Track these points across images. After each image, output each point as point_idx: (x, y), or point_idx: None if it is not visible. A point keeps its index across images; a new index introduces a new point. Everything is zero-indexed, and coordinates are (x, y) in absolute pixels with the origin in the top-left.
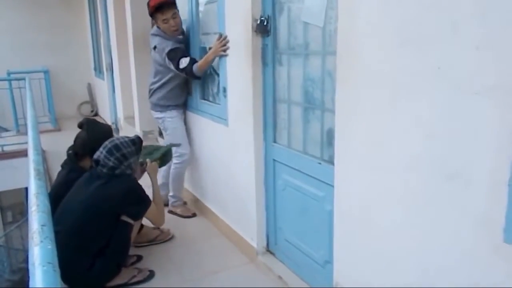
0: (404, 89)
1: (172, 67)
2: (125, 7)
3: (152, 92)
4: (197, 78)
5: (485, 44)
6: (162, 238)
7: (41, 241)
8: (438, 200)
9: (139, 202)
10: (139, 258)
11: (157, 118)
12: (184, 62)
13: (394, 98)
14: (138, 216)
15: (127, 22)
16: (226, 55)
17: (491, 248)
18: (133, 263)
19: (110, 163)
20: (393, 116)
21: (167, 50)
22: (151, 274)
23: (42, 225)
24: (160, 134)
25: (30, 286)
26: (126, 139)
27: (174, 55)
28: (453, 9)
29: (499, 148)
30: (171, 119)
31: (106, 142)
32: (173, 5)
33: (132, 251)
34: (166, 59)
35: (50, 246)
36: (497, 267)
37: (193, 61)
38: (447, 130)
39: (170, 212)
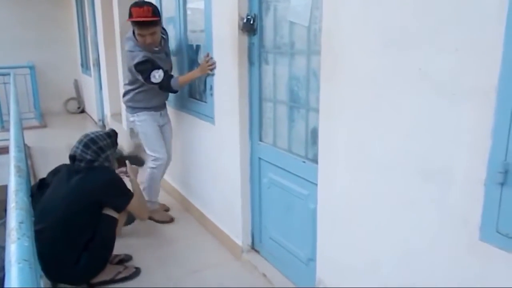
0: (387, 90)
1: (140, 78)
2: (112, 3)
3: (123, 93)
4: (174, 92)
5: (464, 47)
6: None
7: (18, 238)
8: (418, 199)
9: (120, 194)
10: (128, 257)
11: (130, 121)
12: (157, 76)
13: (376, 98)
14: (121, 207)
15: (115, 18)
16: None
17: (468, 246)
18: (120, 261)
19: (88, 157)
20: (375, 116)
21: (136, 61)
22: (136, 272)
23: (20, 222)
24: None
25: (5, 284)
26: (101, 132)
27: (143, 68)
28: (433, 12)
29: (477, 149)
30: (140, 122)
31: (81, 137)
32: (153, 24)
33: (121, 250)
34: (133, 69)
35: (27, 243)
36: (473, 264)
37: (168, 76)
38: (427, 131)
39: (148, 218)
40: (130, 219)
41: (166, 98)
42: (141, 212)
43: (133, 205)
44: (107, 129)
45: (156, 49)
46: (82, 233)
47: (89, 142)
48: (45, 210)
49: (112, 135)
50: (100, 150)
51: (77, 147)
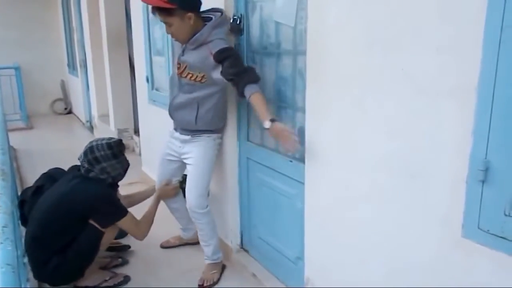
0: (371, 90)
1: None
2: (98, 3)
3: (194, 111)
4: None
5: (445, 47)
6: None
7: (1, 243)
8: (403, 197)
9: (107, 211)
10: (125, 261)
11: (184, 152)
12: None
13: (361, 98)
14: (105, 224)
15: (101, 18)
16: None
17: (451, 243)
18: (115, 266)
19: (85, 165)
20: (360, 116)
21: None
22: (125, 280)
23: (3, 226)
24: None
25: None
26: (104, 142)
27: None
28: (415, 12)
29: (458, 147)
30: (213, 149)
31: (87, 143)
32: (164, 13)
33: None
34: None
35: (10, 247)
36: (457, 261)
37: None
38: (410, 130)
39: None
40: (123, 233)
41: None
42: (136, 232)
43: (125, 224)
44: (115, 137)
45: (190, 47)
46: (58, 237)
47: (88, 151)
48: (38, 207)
49: (113, 146)
50: (95, 160)
51: (81, 154)
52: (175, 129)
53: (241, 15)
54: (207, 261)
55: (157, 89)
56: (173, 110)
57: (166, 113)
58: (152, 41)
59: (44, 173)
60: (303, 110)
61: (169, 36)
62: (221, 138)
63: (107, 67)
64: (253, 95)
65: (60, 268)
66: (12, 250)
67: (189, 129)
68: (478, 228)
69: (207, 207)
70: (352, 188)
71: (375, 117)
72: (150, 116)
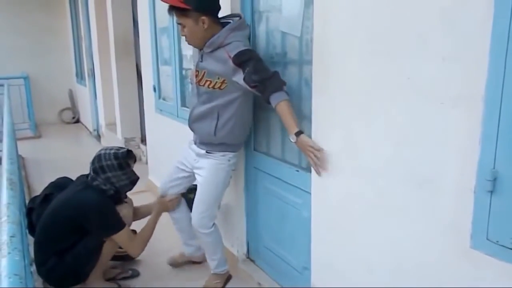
0: (377, 98)
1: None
2: (107, 12)
3: (213, 125)
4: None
5: (451, 56)
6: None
7: (9, 253)
8: (409, 206)
9: (101, 222)
10: (136, 273)
11: (199, 167)
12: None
13: (367, 107)
14: (98, 234)
15: (109, 27)
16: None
17: (460, 254)
18: (124, 278)
19: (91, 173)
20: (367, 125)
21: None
22: None
23: (11, 236)
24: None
25: None
26: (112, 151)
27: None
28: (421, 21)
29: (465, 156)
30: (229, 168)
31: (98, 151)
32: (179, 13)
33: (128, 264)
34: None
35: (18, 257)
36: (465, 272)
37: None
38: (417, 139)
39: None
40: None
41: None
42: (130, 249)
43: (119, 238)
44: (124, 147)
45: (207, 50)
46: (57, 240)
47: (95, 159)
48: (43, 214)
49: (120, 157)
50: (101, 169)
51: (91, 160)
52: (194, 141)
53: (248, 25)
54: (212, 271)
55: (164, 99)
56: (192, 122)
57: (172, 122)
58: (160, 51)
59: (52, 182)
60: (309, 119)
61: (177, 46)
62: (237, 156)
63: (114, 76)
64: (279, 104)
65: (56, 269)
66: (20, 260)
67: (206, 142)
68: (487, 239)
69: (212, 227)
70: (359, 197)
71: (382, 126)
72: (157, 125)
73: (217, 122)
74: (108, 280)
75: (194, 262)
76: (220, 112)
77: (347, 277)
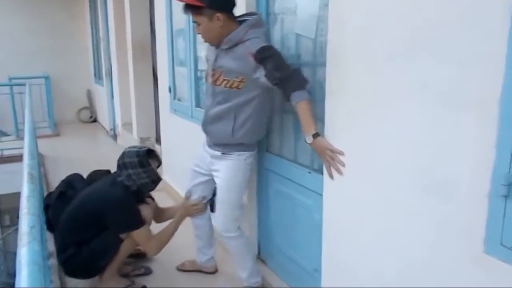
0: (391, 101)
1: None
2: (125, 14)
3: (232, 126)
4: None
5: (467, 59)
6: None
7: (29, 242)
8: (422, 210)
9: (120, 218)
10: (148, 271)
11: (215, 169)
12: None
13: (381, 110)
14: (116, 230)
15: (127, 29)
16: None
17: (473, 258)
18: (137, 275)
19: (117, 169)
20: (380, 128)
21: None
22: None
23: (31, 227)
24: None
25: (16, 285)
26: (136, 149)
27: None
28: (436, 24)
29: (480, 161)
30: (244, 167)
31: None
32: (193, 10)
33: (141, 262)
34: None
35: (37, 247)
36: (477, 277)
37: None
38: (431, 142)
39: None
40: None
41: None
42: (147, 248)
43: (139, 236)
44: (147, 145)
45: (224, 47)
46: (77, 232)
47: (121, 155)
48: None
49: (141, 155)
50: (124, 166)
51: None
52: (208, 144)
53: (264, 22)
54: (244, 284)
55: (179, 99)
56: (208, 124)
57: (187, 122)
58: (175, 52)
59: (63, 180)
60: (322, 121)
61: (192, 47)
62: (253, 156)
63: (131, 77)
64: (298, 104)
65: (72, 259)
66: (39, 250)
67: (222, 143)
68: (501, 244)
69: (237, 230)
70: (371, 200)
71: (396, 129)
72: (172, 125)
73: (234, 123)
74: (122, 276)
75: (204, 272)
76: (236, 112)
77: (357, 280)
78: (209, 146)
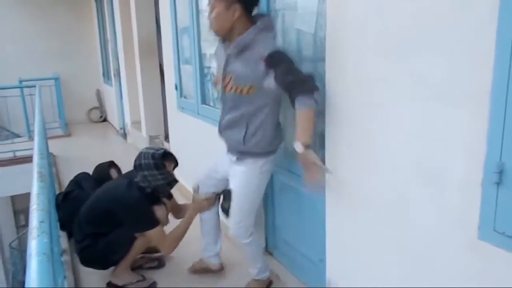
0: (387, 95)
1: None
2: (131, 16)
3: (244, 133)
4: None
5: (458, 53)
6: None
7: (38, 235)
8: (420, 200)
9: (133, 218)
10: (162, 264)
11: (235, 174)
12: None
13: (378, 103)
14: (130, 230)
15: (133, 29)
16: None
17: (468, 245)
18: (150, 268)
19: (133, 169)
20: (378, 120)
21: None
22: (150, 287)
23: (41, 222)
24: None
25: (26, 274)
26: (152, 151)
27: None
28: (430, 19)
29: (473, 150)
30: (261, 175)
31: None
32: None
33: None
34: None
35: (46, 240)
36: (472, 262)
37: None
38: (426, 134)
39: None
40: None
41: None
42: (162, 247)
43: (152, 236)
44: (164, 148)
45: (233, 51)
46: (94, 225)
47: (137, 156)
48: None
49: (156, 157)
50: (140, 167)
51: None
52: (228, 149)
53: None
54: (252, 277)
55: (185, 97)
56: (222, 129)
57: (194, 119)
58: (181, 50)
59: (71, 180)
60: (323, 115)
61: (197, 45)
62: (269, 163)
63: (139, 76)
64: (299, 109)
65: (88, 250)
66: (48, 242)
67: (237, 150)
68: (494, 230)
69: (249, 236)
70: (371, 191)
71: (392, 121)
72: (179, 122)
73: (246, 131)
74: (135, 268)
75: (211, 271)
76: (248, 121)
77: (360, 269)
78: (228, 150)
